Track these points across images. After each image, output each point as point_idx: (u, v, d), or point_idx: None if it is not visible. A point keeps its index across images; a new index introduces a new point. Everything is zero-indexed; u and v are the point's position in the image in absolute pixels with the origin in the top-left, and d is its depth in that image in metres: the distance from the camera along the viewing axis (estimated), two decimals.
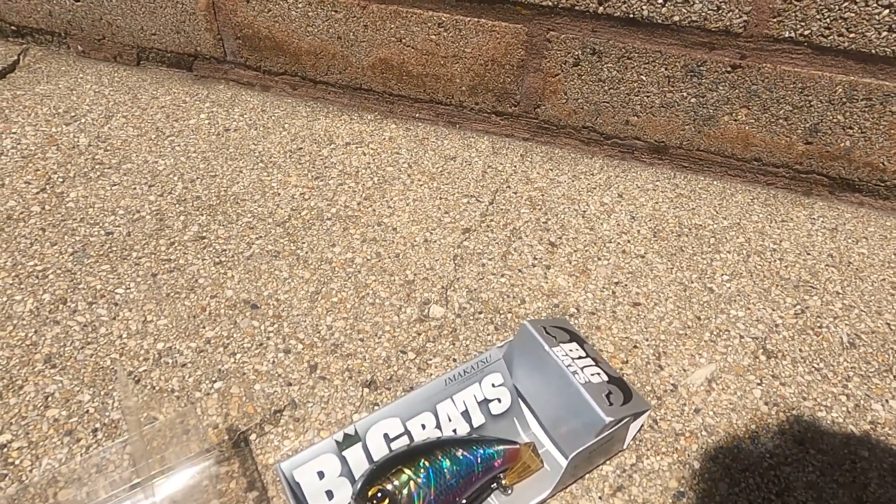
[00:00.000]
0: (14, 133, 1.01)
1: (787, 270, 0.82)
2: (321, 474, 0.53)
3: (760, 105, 0.88)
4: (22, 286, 0.76)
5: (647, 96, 0.93)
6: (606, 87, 0.94)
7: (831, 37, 0.80)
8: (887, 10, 0.76)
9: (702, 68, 0.88)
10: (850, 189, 0.93)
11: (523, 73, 0.97)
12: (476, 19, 0.94)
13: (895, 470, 0.60)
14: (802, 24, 0.80)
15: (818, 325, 0.75)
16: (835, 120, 0.86)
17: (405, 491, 0.50)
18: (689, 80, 0.89)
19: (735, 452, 0.62)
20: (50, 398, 0.64)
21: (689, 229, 0.88)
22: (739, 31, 0.83)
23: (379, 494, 0.49)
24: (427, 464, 0.51)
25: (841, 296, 0.79)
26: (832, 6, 0.78)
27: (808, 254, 0.85)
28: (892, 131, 0.85)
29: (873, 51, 0.79)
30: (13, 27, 1.23)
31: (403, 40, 1.00)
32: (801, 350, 0.72)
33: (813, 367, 0.70)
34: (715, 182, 0.98)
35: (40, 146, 0.99)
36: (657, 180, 0.97)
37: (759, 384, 0.68)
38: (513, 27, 0.93)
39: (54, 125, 1.03)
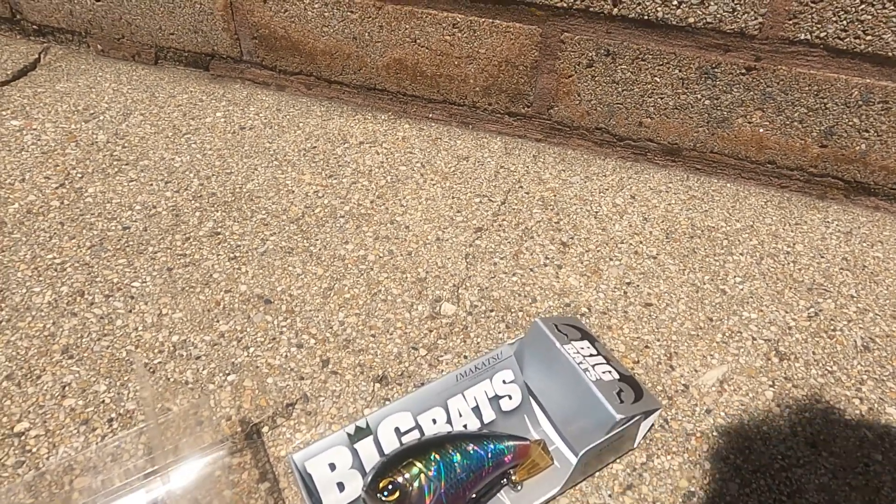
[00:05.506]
0: (34, 129, 1.03)
1: (801, 273, 0.82)
2: (332, 466, 0.54)
3: (775, 107, 0.88)
4: (41, 278, 0.77)
5: (661, 98, 0.93)
6: (620, 89, 0.94)
7: (847, 39, 0.80)
8: None
9: (716, 70, 0.88)
10: (865, 193, 0.92)
11: (537, 74, 0.98)
12: (491, 20, 0.94)
13: None
14: (818, 26, 0.80)
15: (832, 327, 0.75)
16: (850, 123, 0.86)
17: (416, 483, 0.50)
18: (704, 81, 0.89)
19: (746, 453, 0.61)
20: (67, 388, 0.65)
21: (702, 231, 0.88)
22: (755, 33, 0.83)
23: (390, 486, 0.49)
24: (438, 457, 0.52)
25: (855, 299, 0.78)
26: (849, 8, 0.78)
27: (822, 257, 0.85)
28: None
29: (890, 53, 0.79)
30: (35, 26, 1.26)
31: (418, 41, 1.01)
32: (814, 352, 0.71)
33: (826, 369, 0.70)
34: (728, 185, 0.97)
35: (60, 142, 1.00)
36: (670, 182, 0.97)
37: (771, 386, 0.68)
38: (527, 28, 0.93)
39: (73, 122, 1.05)
